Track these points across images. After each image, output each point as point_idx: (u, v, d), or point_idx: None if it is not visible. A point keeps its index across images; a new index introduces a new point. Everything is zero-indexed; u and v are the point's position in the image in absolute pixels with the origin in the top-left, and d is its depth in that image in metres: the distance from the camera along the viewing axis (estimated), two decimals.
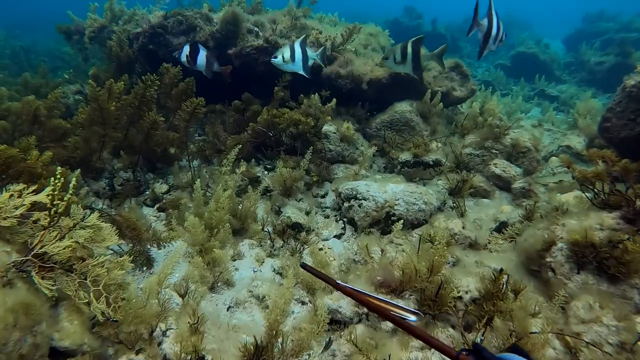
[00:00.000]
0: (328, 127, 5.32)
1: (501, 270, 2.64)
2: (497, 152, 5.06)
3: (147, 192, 4.97)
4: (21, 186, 2.57)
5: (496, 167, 4.81)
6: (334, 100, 5.49)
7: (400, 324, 1.23)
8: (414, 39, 4.75)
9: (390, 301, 1.38)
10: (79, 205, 2.65)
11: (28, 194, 2.51)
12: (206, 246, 3.72)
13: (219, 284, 3.60)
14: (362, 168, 4.96)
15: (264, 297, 3.28)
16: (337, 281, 1.40)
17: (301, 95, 5.52)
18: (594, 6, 18.86)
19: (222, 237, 3.86)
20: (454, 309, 2.59)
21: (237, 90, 6.41)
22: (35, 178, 3.37)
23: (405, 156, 5.21)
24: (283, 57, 4.77)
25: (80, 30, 7.57)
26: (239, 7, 6.33)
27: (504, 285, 2.51)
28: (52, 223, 2.46)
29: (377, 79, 5.98)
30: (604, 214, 2.90)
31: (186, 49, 4.94)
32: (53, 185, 2.34)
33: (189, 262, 3.72)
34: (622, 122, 4.44)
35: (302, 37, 4.96)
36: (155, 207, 4.80)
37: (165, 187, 5.08)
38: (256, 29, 6.37)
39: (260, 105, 5.91)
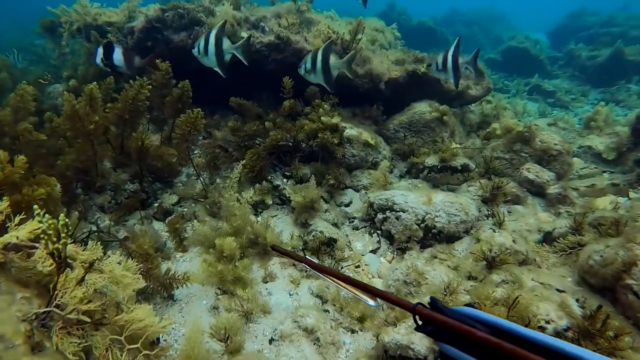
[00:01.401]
0: (350, 132, 4.98)
1: (600, 307, 2.40)
2: (527, 155, 4.87)
3: (156, 204, 4.52)
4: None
5: (529, 172, 4.60)
6: (337, 113, 5.13)
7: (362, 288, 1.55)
8: (323, 46, 4.28)
9: (357, 281, 1.59)
10: (98, 244, 2.23)
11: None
12: (232, 274, 3.35)
13: (254, 312, 3.24)
14: (387, 177, 4.64)
15: (313, 329, 2.94)
16: (306, 257, 1.57)
17: (316, 100, 5.13)
18: (575, 2, 19.11)
19: (246, 263, 3.49)
20: None
21: (245, 91, 5.98)
22: (17, 188, 2.91)
23: (431, 160, 4.94)
24: (198, 48, 4.28)
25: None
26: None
27: (603, 324, 2.27)
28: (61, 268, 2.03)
29: (394, 79, 5.68)
30: None
31: (100, 51, 4.41)
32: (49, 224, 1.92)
33: (218, 297, 3.37)
34: None
35: (219, 24, 4.25)
36: (167, 221, 4.36)
37: (175, 198, 4.63)
38: (262, 24, 5.93)
39: (267, 108, 5.51)
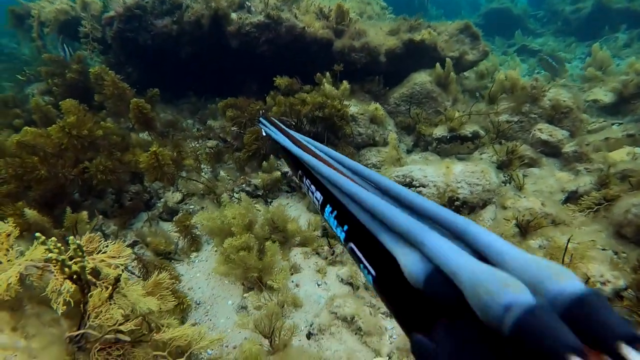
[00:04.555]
0: (353, 109, 4.77)
1: None
2: (537, 116, 4.74)
3: (159, 204, 4.27)
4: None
5: (541, 133, 4.49)
6: (345, 82, 4.92)
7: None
8: None
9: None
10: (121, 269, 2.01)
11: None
12: (257, 264, 3.16)
13: (284, 307, 3.09)
14: (400, 152, 4.47)
15: (353, 318, 2.80)
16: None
17: (319, 74, 4.90)
18: None
19: (274, 249, 3.29)
20: None
21: (236, 76, 5.69)
22: None
23: (439, 131, 4.78)
24: None
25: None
26: None
27: None
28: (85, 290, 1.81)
29: (391, 50, 5.44)
30: None
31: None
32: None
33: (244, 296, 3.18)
34: None
35: None
36: (174, 219, 4.13)
37: (178, 196, 4.39)
38: (248, 3, 5.58)
39: (257, 91, 5.24)
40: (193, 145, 4.96)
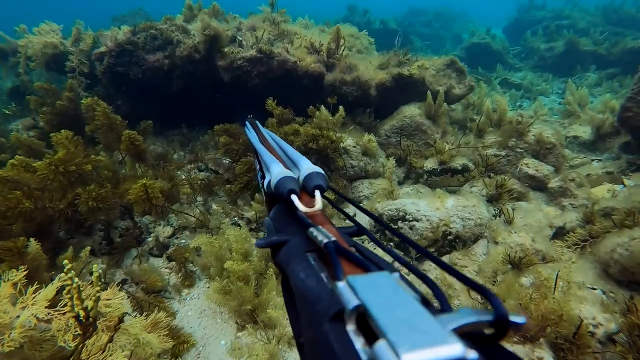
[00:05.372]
0: (349, 141, 4.84)
1: (631, 297, 2.36)
2: (523, 150, 4.91)
3: (149, 239, 4.18)
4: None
5: (528, 167, 4.63)
6: (341, 108, 5.02)
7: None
8: None
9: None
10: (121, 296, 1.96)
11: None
12: (252, 300, 3.11)
13: (279, 344, 3.01)
14: (393, 185, 4.54)
15: None
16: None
17: (311, 107, 4.99)
18: None
19: (271, 284, 3.24)
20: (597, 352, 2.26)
21: (227, 108, 5.72)
22: None
23: (430, 164, 4.88)
24: None
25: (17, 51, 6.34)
26: (207, 16, 5.58)
27: None
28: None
29: (381, 83, 5.60)
30: None
31: None
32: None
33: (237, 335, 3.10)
34: None
35: None
36: (164, 256, 4.04)
37: (169, 230, 4.31)
38: (239, 37, 5.70)
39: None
40: (185, 175, 4.93)
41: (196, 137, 5.88)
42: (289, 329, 3.17)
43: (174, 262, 3.85)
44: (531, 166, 4.63)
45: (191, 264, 3.77)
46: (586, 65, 11.98)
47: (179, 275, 3.66)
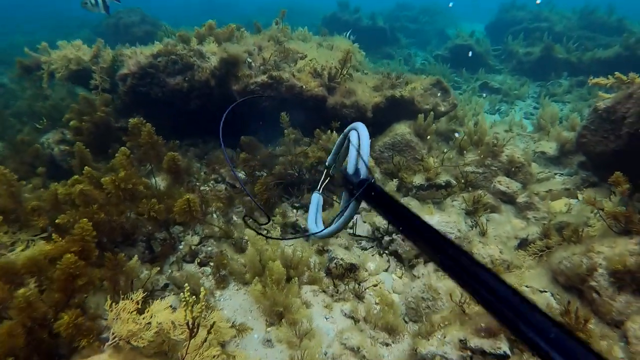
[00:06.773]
0: None
1: (569, 302, 3.24)
2: (497, 168, 5.76)
3: (181, 247, 4.88)
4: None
5: (501, 185, 5.50)
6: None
7: None
8: None
9: None
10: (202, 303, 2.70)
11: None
12: (282, 302, 3.89)
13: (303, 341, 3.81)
14: None
15: (358, 348, 3.58)
16: None
17: (317, 130, 5.69)
18: None
19: (295, 289, 4.03)
20: None
21: (237, 126, 6.36)
22: None
23: (418, 179, 5.70)
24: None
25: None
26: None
27: (575, 315, 3.12)
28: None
29: (376, 105, 6.34)
30: (627, 241, 3.64)
31: None
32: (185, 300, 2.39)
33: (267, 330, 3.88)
34: (596, 138, 5.32)
35: None
36: (196, 262, 4.76)
37: (196, 239, 5.02)
38: (249, 59, 6.31)
39: (263, 144, 5.99)
40: (204, 188, 5.60)
41: (211, 150, 6.52)
42: (307, 325, 3.97)
43: (207, 267, 4.61)
44: (503, 183, 5.50)
45: (225, 270, 4.50)
46: (560, 71, 12.95)
47: (215, 278, 4.40)
